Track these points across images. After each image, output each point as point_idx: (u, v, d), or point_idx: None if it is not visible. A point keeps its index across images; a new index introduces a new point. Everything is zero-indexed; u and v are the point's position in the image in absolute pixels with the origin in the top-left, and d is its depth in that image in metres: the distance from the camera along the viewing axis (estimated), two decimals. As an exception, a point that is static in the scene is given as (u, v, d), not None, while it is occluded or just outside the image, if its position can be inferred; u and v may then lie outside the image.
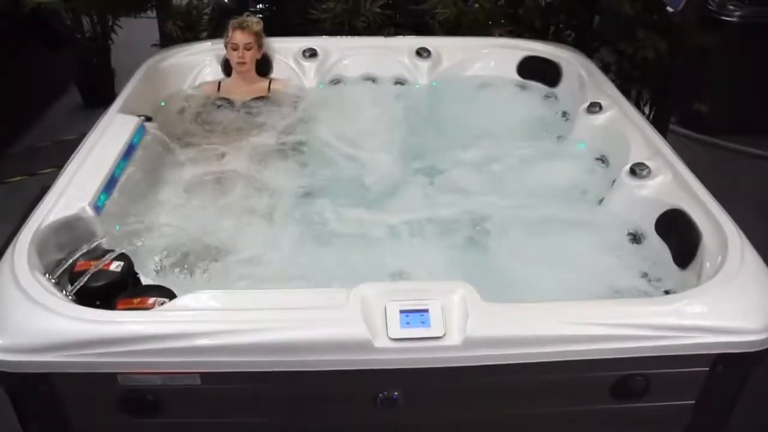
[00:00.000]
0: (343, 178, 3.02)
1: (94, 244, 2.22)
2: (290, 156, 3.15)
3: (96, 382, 1.87)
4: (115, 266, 2.19)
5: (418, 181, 3.00)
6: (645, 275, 2.37)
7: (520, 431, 2.10)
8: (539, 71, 3.73)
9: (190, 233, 2.51)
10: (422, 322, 1.87)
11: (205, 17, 4.26)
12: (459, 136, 3.33)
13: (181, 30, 4.01)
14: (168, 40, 4.03)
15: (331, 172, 3.05)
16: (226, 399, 1.94)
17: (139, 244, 2.39)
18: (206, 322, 1.86)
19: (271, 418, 1.99)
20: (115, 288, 2.13)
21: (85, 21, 4.14)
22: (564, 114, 3.49)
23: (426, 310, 1.89)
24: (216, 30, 4.07)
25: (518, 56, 3.79)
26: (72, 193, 2.39)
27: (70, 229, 2.30)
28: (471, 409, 2.00)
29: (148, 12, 4.46)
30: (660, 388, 1.99)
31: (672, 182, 2.56)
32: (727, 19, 4.50)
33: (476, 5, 4.17)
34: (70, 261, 2.14)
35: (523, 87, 3.74)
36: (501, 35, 4.02)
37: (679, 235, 2.38)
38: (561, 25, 4.26)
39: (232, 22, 3.55)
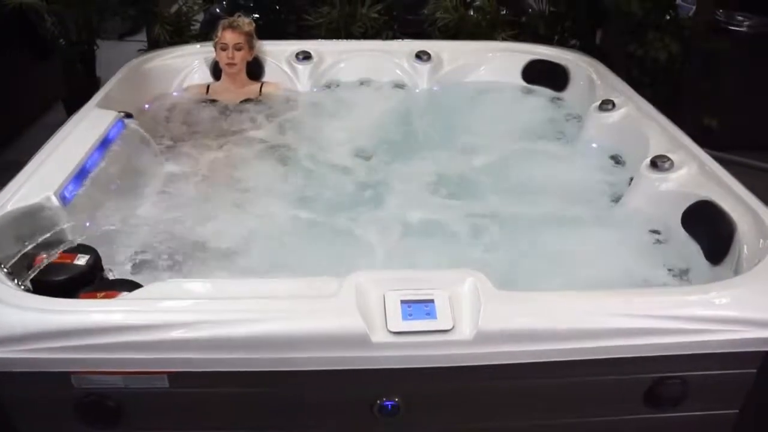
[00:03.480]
0: (336, 179, 2.78)
1: (50, 233, 1.97)
2: (279, 158, 2.92)
3: (47, 383, 1.61)
4: (81, 260, 1.94)
5: (418, 181, 2.76)
6: (673, 273, 2.13)
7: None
8: (545, 75, 3.55)
9: (167, 229, 2.29)
10: (427, 314, 1.62)
11: (195, 24, 4.10)
12: (462, 139, 3.11)
13: (170, 34, 3.84)
14: (155, 46, 3.85)
15: (323, 173, 2.82)
16: (197, 406, 1.67)
17: (111, 238, 2.16)
18: (175, 311, 1.60)
19: (247, 428, 1.71)
20: (79, 283, 1.88)
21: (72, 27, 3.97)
22: (573, 117, 3.29)
23: (431, 301, 1.64)
24: (207, 38, 3.90)
25: (523, 60, 3.61)
26: (36, 182, 2.17)
27: (31, 220, 2.06)
28: (483, 418, 1.73)
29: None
30: (699, 393, 1.73)
31: (698, 174, 2.34)
32: (737, 29, 4.36)
33: (475, 15, 4.00)
34: (25, 250, 1.89)
35: (528, 92, 3.55)
36: (504, 40, 3.85)
37: (709, 228, 2.15)
38: (566, 34, 4.09)
39: (222, 22, 3.39)
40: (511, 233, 2.35)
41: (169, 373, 1.60)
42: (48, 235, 1.95)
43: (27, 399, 1.64)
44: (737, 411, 1.78)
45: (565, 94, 3.49)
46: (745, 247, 1.95)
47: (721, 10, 4.46)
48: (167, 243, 2.23)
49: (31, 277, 1.78)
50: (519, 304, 1.65)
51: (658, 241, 2.28)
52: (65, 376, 1.60)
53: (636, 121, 2.81)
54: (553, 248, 2.26)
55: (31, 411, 1.66)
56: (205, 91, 3.46)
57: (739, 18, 4.44)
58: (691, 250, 2.18)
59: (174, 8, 4.06)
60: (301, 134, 3.13)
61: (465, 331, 1.59)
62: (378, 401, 1.66)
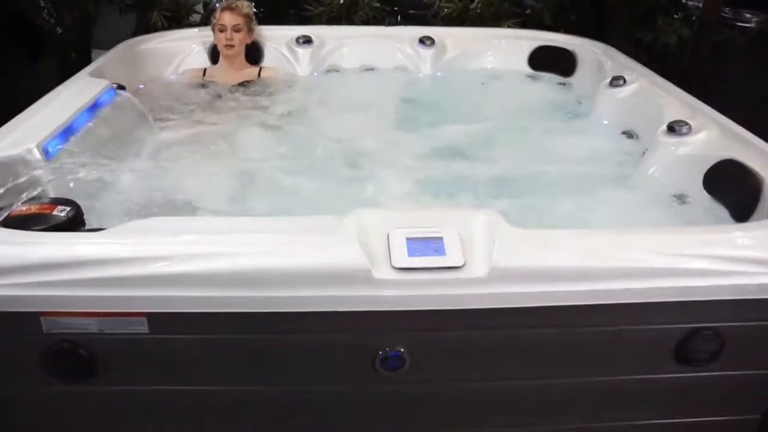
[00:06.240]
0: (336, 152, 2.64)
1: (20, 180, 1.83)
2: (276, 131, 2.79)
3: (14, 327, 1.45)
4: (61, 212, 1.80)
5: (422, 149, 2.63)
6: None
7: (560, 408, 1.64)
8: (552, 61, 3.45)
9: (156, 187, 2.17)
10: (435, 250, 1.47)
11: (194, 16, 4.02)
12: (469, 117, 2.98)
13: (168, 22, 3.75)
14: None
15: (322, 146, 2.67)
16: (181, 355, 1.50)
17: (95, 195, 2.03)
18: (156, 244, 1.45)
19: (237, 383, 1.54)
20: (58, 234, 1.74)
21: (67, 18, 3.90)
22: (582, 99, 3.17)
23: (440, 238, 1.49)
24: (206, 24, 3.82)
25: (529, 47, 3.52)
26: (19, 134, 2.04)
27: (10, 171, 1.92)
28: (496, 375, 1.56)
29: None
30: (734, 349, 1.56)
31: (719, 135, 2.22)
32: (745, 25, 4.30)
33: (479, 4, 3.92)
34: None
35: (535, 78, 3.45)
36: (509, 27, 3.76)
37: (734, 186, 2.01)
38: (571, 27, 4.01)
39: (221, 4, 3.31)
40: (523, 197, 2.22)
41: (149, 315, 1.44)
42: (21, 180, 1.81)
43: (-10, 347, 1.48)
44: (775, 372, 1.63)
45: (573, 79, 3.38)
46: (776, 199, 1.82)
47: (728, 8, 4.41)
48: (154, 203, 2.09)
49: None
50: (537, 241, 1.50)
51: (679, 205, 2.14)
52: (35, 318, 1.44)
53: (649, 93, 2.69)
54: (569, 211, 2.12)
55: (-5, 362, 1.50)
56: (201, 74, 3.35)
57: (747, 15, 4.39)
58: (715, 212, 2.04)
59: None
60: (299, 112, 3.01)
61: (478, 268, 1.44)
62: (380, 353, 1.50)
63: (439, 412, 1.60)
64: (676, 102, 2.51)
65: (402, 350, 1.50)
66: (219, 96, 3.14)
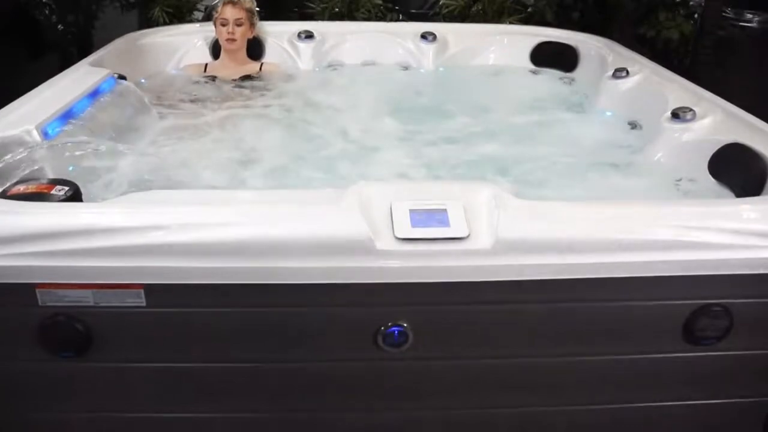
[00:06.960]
0: (335, 146, 2.60)
1: (18, 159, 1.81)
2: (276, 124, 2.77)
3: (9, 299, 1.42)
4: (60, 191, 1.77)
5: (422, 147, 2.60)
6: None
7: (566, 386, 1.60)
8: (555, 57, 3.44)
9: (155, 172, 2.11)
10: (439, 222, 1.44)
11: (196, 14, 4.02)
12: (471, 110, 2.95)
13: (169, 17, 3.75)
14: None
15: (320, 139, 2.65)
16: (178, 328, 1.47)
17: (93, 177, 1.99)
18: (154, 214, 1.42)
19: (234, 358, 1.50)
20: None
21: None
22: (585, 94, 3.15)
23: (444, 210, 1.47)
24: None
25: (531, 43, 3.51)
26: (18, 116, 2.03)
27: (8, 151, 1.89)
28: (502, 353, 1.53)
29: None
30: (745, 327, 1.53)
31: (723, 121, 2.20)
32: (746, 25, 4.31)
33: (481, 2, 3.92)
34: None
35: (537, 73, 3.45)
36: (512, 23, 3.77)
37: (740, 168, 1.99)
38: (574, 26, 4.01)
39: (223, -1, 3.31)
40: (528, 185, 2.18)
41: (146, 287, 1.41)
42: (19, 159, 1.79)
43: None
44: (786, 352, 1.59)
45: (576, 75, 3.36)
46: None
47: (729, 8, 4.42)
48: (153, 186, 2.04)
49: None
50: (543, 212, 1.47)
51: (685, 190, 2.11)
52: (30, 290, 1.41)
53: (652, 83, 2.68)
54: (575, 198, 2.09)
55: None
56: (203, 69, 3.35)
57: (749, 15, 4.41)
58: (721, 195, 2.02)
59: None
60: (300, 106, 2.98)
61: (482, 239, 1.42)
62: (382, 327, 1.47)
63: (443, 389, 1.56)
64: (679, 90, 2.50)
65: (405, 325, 1.47)
66: (220, 90, 3.12)
